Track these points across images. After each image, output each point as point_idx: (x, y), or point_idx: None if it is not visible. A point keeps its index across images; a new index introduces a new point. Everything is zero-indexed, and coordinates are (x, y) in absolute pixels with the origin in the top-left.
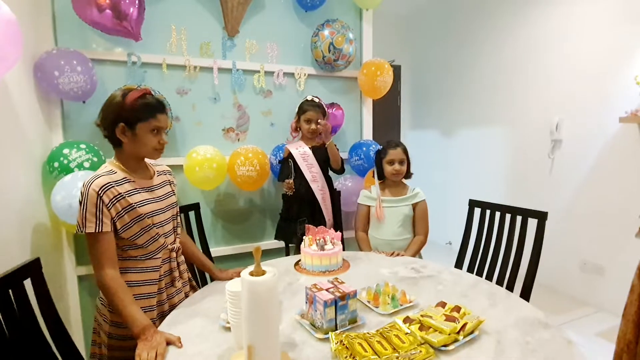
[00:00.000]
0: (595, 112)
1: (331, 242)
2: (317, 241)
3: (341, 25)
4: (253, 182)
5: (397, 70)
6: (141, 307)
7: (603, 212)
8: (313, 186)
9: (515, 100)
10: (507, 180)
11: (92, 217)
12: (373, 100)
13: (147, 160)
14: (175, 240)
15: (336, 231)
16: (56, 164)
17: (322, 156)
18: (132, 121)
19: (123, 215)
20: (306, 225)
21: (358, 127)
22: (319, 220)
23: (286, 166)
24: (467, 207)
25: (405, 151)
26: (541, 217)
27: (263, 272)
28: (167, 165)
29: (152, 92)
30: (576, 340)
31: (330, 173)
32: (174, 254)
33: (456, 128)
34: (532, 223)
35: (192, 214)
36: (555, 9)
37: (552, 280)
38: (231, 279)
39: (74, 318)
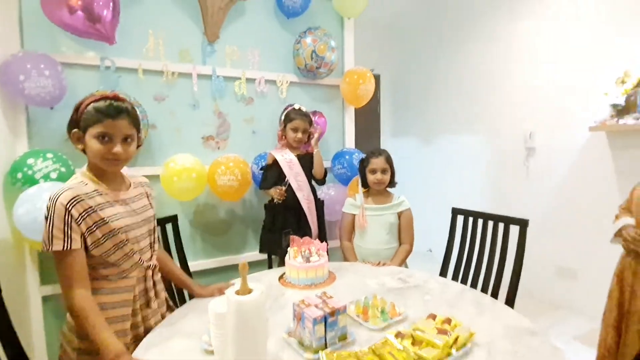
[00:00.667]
0: (566, 122)
1: (317, 253)
2: (302, 253)
3: (323, 33)
4: (234, 192)
5: (376, 78)
6: (114, 332)
7: (576, 218)
8: (299, 195)
9: (492, 108)
10: (486, 187)
11: (59, 234)
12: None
13: (123, 170)
14: (152, 256)
15: (321, 241)
16: (19, 175)
17: (307, 165)
18: (82, 127)
19: (94, 231)
20: (291, 236)
21: (340, 135)
22: (304, 230)
23: (271, 173)
24: (450, 214)
25: (388, 160)
26: (523, 224)
27: (250, 290)
28: (143, 176)
29: (123, 98)
30: (556, 345)
31: (313, 182)
32: (150, 272)
33: (436, 136)
34: (514, 230)
35: (169, 226)
36: (530, 23)
37: (530, 285)
38: (212, 295)
39: (37, 345)
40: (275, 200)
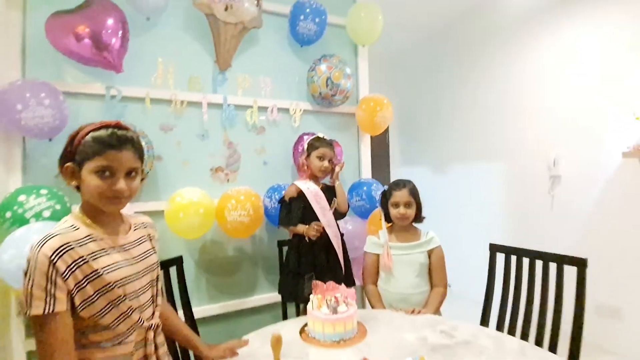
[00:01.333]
0: (594, 147)
1: (344, 301)
2: (328, 302)
3: (339, 60)
4: (245, 229)
5: None
6: None
7: (612, 252)
8: (329, 232)
9: (510, 134)
10: (505, 219)
11: (40, 293)
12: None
13: (123, 210)
14: (154, 314)
15: (349, 283)
16: (8, 214)
17: (331, 198)
18: (78, 160)
19: (85, 286)
20: (314, 281)
21: (356, 165)
22: (334, 272)
23: (296, 207)
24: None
25: (412, 192)
26: (581, 264)
27: None
28: (145, 213)
29: (127, 126)
30: None
31: None
32: (151, 334)
33: (448, 164)
34: (569, 271)
35: (173, 270)
36: (552, 42)
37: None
38: (223, 357)
39: None
40: (306, 239)
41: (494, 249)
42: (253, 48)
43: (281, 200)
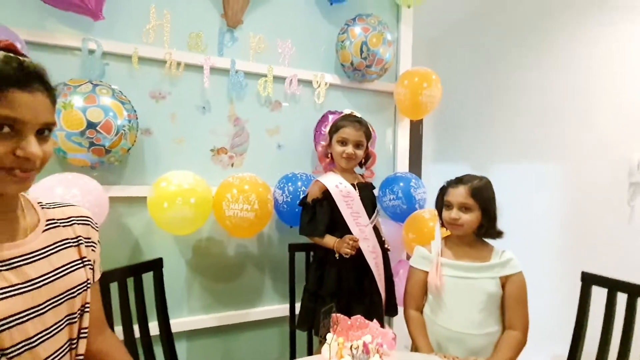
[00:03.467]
0: None
1: (377, 352)
2: (353, 351)
3: (377, 22)
4: (249, 226)
5: None
6: None
7: None
8: (363, 246)
9: (575, 131)
10: (563, 233)
11: None
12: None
13: (26, 195)
14: None
15: (389, 313)
16: None
17: (368, 198)
18: None
19: None
20: (334, 314)
21: (391, 155)
22: (370, 298)
23: (322, 211)
24: (580, 283)
25: (475, 192)
26: None
27: None
28: (127, 199)
29: (21, 52)
30: None
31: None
32: None
33: (491, 163)
34: None
35: (147, 277)
36: (633, 18)
37: None
38: None
39: None
40: (336, 255)
41: (588, 280)
42: (270, 2)
43: (302, 202)
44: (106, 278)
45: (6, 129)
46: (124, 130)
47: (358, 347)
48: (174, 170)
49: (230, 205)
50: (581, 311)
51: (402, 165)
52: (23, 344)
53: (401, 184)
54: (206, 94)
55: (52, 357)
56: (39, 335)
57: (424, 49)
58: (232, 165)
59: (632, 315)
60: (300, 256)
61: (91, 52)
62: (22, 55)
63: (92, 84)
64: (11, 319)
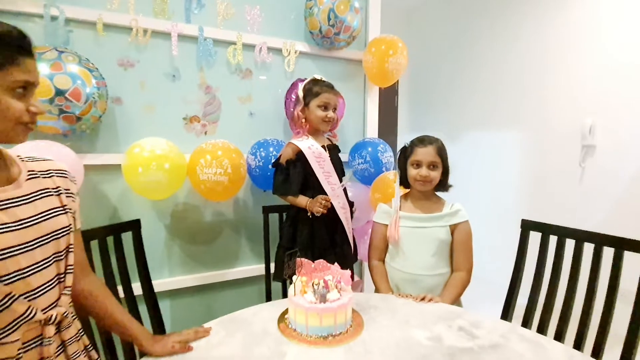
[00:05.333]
0: (636, 114)
1: (336, 287)
2: (315, 287)
3: None
4: (223, 190)
5: None
6: None
7: None
8: (335, 203)
9: (537, 100)
10: (525, 193)
11: None
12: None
13: (6, 149)
14: (58, 300)
15: (351, 261)
16: None
17: (337, 159)
18: None
19: None
20: (298, 259)
21: (361, 122)
22: (341, 248)
23: (296, 172)
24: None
25: (440, 152)
26: None
27: None
28: (101, 166)
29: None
30: None
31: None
32: (51, 330)
33: (463, 132)
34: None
35: (127, 236)
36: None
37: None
38: (171, 353)
39: None
40: (309, 214)
41: (527, 226)
42: None
43: (275, 163)
44: (87, 236)
45: (20, 90)
46: (94, 98)
47: (319, 283)
48: (145, 138)
49: (204, 170)
50: (520, 254)
51: (372, 130)
52: (15, 273)
53: (369, 149)
54: (175, 61)
55: (43, 287)
56: (30, 268)
57: (401, 19)
58: (206, 133)
59: (561, 254)
60: (273, 217)
61: (54, 18)
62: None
63: (57, 50)
64: (5, 251)
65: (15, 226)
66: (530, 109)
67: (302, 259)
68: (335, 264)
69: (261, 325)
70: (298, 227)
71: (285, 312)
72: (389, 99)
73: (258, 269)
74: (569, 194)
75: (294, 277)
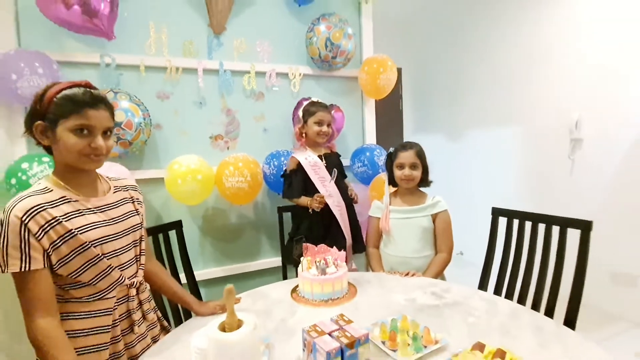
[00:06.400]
0: (620, 107)
1: (334, 264)
2: (317, 263)
3: (338, 19)
4: (244, 195)
5: (398, 73)
6: None
7: (632, 218)
8: (329, 202)
9: (529, 98)
10: (522, 184)
11: (15, 252)
12: (375, 102)
13: (103, 171)
14: (137, 272)
15: (359, 251)
16: (13, 181)
17: (334, 164)
18: (52, 119)
19: (60, 246)
20: (304, 244)
21: (360, 130)
22: (336, 239)
23: (297, 179)
24: (483, 215)
25: (419, 154)
26: (585, 227)
27: (239, 324)
28: (146, 180)
29: (94, 85)
30: None
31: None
32: (133, 291)
33: (463, 131)
34: (572, 234)
35: (172, 233)
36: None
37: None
38: (213, 313)
39: None
40: (310, 210)
41: (497, 212)
42: (248, 9)
43: (283, 174)
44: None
45: (85, 132)
46: (141, 126)
47: (321, 261)
48: (182, 155)
49: (228, 179)
50: (492, 237)
51: (370, 137)
52: (112, 253)
53: (367, 154)
54: (201, 91)
55: (128, 262)
56: (120, 249)
57: (399, 29)
58: (228, 148)
59: (522, 233)
60: (287, 216)
61: (107, 65)
62: (93, 87)
63: (113, 92)
64: (105, 238)
65: (110, 222)
66: (521, 106)
67: (307, 244)
68: (334, 247)
69: (278, 295)
70: (301, 221)
71: (297, 286)
72: (394, 104)
73: (276, 261)
74: (561, 186)
75: (302, 258)
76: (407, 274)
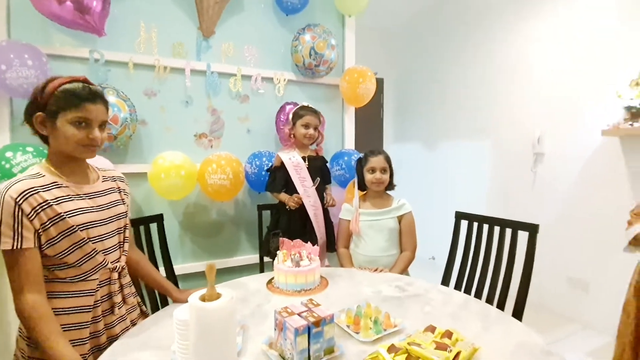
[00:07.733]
0: (576, 125)
1: (307, 257)
2: (292, 257)
3: (323, 30)
4: (226, 192)
5: (380, 83)
6: (70, 340)
7: (587, 227)
8: (306, 202)
9: (498, 113)
10: (491, 194)
11: (8, 231)
12: (356, 110)
13: (92, 162)
14: (120, 257)
15: (331, 251)
16: None
17: (317, 167)
18: (52, 111)
19: (49, 228)
20: (281, 238)
21: (340, 136)
22: (310, 236)
23: (279, 176)
24: (453, 219)
25: (387, 159)
26: (532, 229)
27: (217, 296)
28: (130, 173)
29: (91, 82)
30: None
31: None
32: (115, 275)
33: (439, 141)
34: (523, 237)
35: (154, 226)
36: (537, 23)
37: (538, 297)
38: None
39: None
40: (287, 207)
41: (459, 216)
42: (237, 16)
43: (269, 169)
44: None
45: (83, 124)
46: (127, 121)
47: (296, 255)
48: (166, 151)
49: (211, 176)
50: (454, 239)
51: (349, 143)
52: (97, 237)
53: (345, 158)
54: (188, 91)
55: (112, 248)
56: (105, 235)
57: (383, 42)
58: (212, 146)
59: (480, 235)
60: (266, 214)
61: (96, 61)
62: (90, 83)
63: (101, 87)
64: (91, 223)
65: (97, 209)
66: (490, 121)
67: (284, 239)
68: (308, 242)
69: (255, 286)
70: (280, 216)
71: (272, 278)
72: (375, 112)
73: (254, 257)
74: (524, 195)
75: (278, 252)
76: (375, 270)
